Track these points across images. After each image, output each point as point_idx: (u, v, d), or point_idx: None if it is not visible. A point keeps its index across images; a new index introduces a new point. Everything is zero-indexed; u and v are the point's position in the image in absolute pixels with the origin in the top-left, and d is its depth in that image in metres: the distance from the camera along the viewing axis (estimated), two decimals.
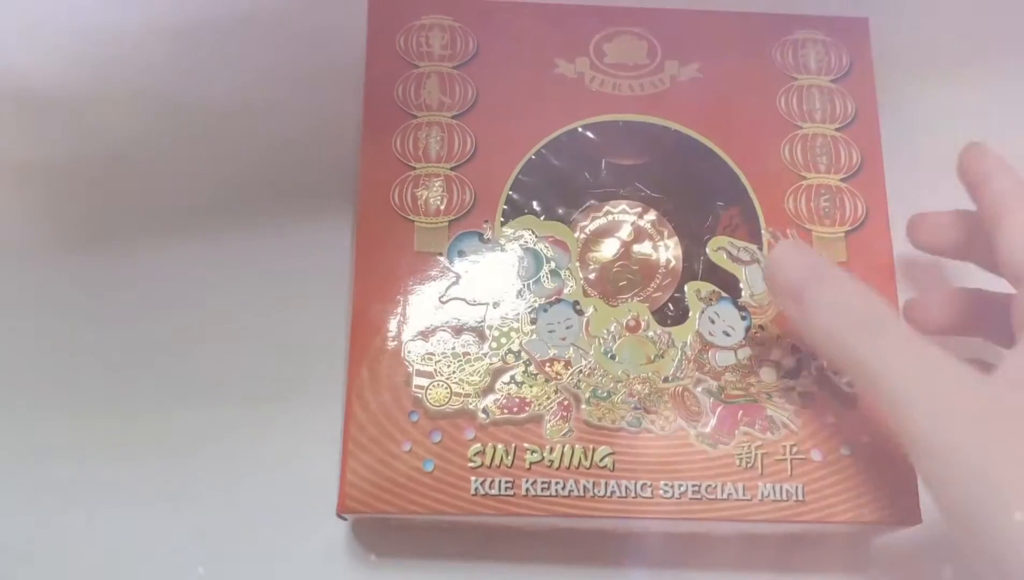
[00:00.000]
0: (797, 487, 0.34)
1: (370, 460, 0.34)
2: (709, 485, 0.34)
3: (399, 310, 0.36)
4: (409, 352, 0.36)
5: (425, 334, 0.36)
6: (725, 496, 0.34)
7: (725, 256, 0.37)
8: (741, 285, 0.36)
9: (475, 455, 0.34)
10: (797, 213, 0.37)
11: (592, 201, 0.38)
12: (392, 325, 0.36)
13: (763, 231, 0.37)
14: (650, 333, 0.36)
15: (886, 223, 0.37)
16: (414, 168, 0.38)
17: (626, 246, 0.38)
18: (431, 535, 0.37)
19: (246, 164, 0.42)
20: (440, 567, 0.37)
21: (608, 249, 0.38)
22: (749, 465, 0.34)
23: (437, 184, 0.38)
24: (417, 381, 0.35)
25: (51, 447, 0.38)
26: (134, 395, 0.38)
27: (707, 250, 0.37)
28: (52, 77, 0.42)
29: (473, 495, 0.34)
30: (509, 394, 0.35)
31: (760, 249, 0.37)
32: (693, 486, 0.34)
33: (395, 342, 0.36)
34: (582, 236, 0.38)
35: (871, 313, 0.30)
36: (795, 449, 0.35)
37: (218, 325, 0.39)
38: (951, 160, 0.36)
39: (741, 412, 0.35)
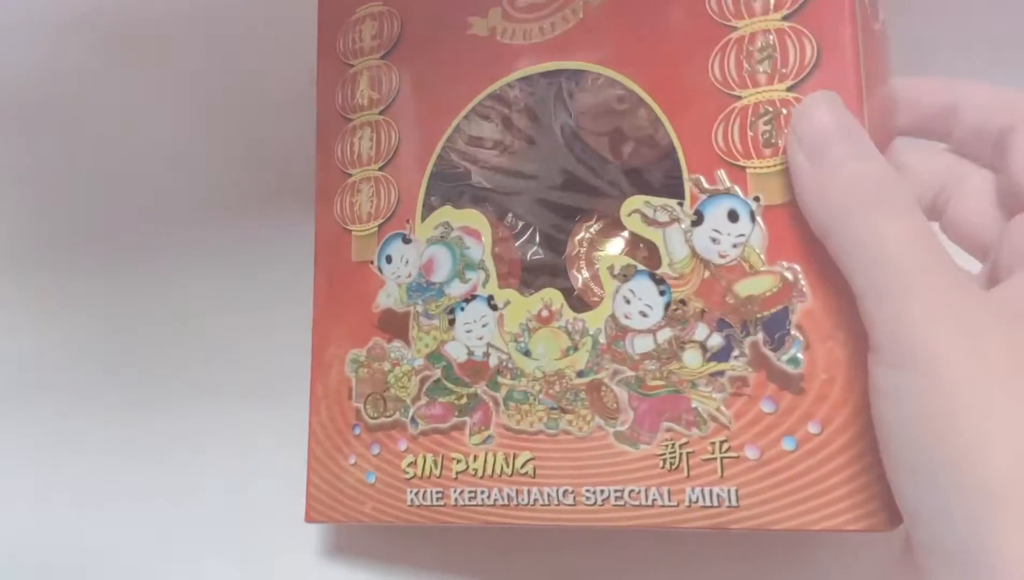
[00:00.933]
0: (729, 491, 0.30)
1: (326, 473, 0.38)
2: (632, 490, 0.32)
3: (341, 324, 0.38)
4: (349, 365, 0.38)
5: (362, 346, 0.37)
6: (649, 502, 0.32)
7: (640, 219, 0.32)
8: (661, 254, 0.32)
9: (408, 466, 0.36)
10: (728, 148, 0.31)
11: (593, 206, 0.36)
12: (337, 339, 0.38)
13: (685, 180, 0.32)
14: (562, 322, 0.33)
15: (862, 120, 0.29)
16: (350, 175, 0.39)
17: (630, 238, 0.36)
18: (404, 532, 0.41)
19: (234, 174, 0.46)
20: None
21: (613, 248, 0.36)
22: (674, 466, 0.31)
23: (367, 188, 0.38)
24: (357, 394, 0.37)
25: (53, 446, 0.47)
26: (142, 398, 0.46)
27: (621, 216, 0.33)
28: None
29: (409, 506, 0.36)
30: (433, 401, 0.36)
31: (681, 205, 0.32)
32: (616, 491, 0.32)
33: (339, 356, 0.38)
34: (587, 236, 0.36)
35: (893, 191, 0.27)
36: (726, 446, 0.31)
37: (215, 334, 0.45)
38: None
39: (662, 406, 0.32)
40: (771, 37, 0.31)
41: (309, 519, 0.38)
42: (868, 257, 0.26)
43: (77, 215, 0.48)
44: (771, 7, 0.31)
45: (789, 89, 0.30)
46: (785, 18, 0.30)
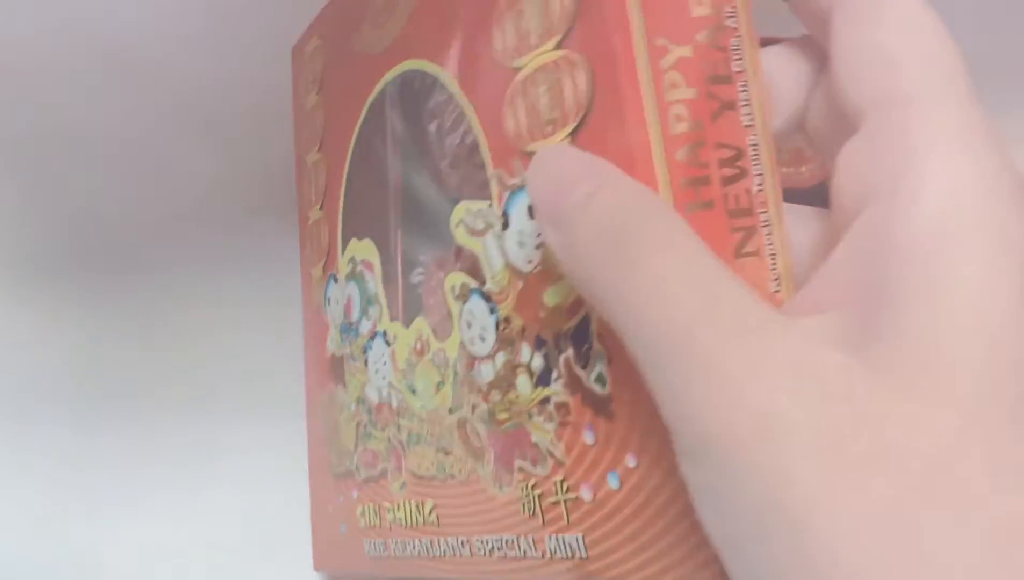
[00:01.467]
0: (577, 539, 0.26)
1: (320, 522, 0.38)
2: (508, 539, 0.28)
3: (314, 369, 0.38)
4: (321, 412, 0.38)
5: (326, 392, 0.37)
6: (522, 553, 0.28)
7: (465, 231, 0.28)
8: (483, 267, 0.28)
9: (361, 515, 0.35)
10: (518, 131, 0.26)
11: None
12: (315, 385, 0.38)
13: (489, 177, 0.27)
14: (431, 354, 0.30)
15: (634, 84, 0.23)
16: (309, 218, 0.39)
17: None
18: None
19: (239, 186, 0.47)
20: None
21: None
22: (532, 512, 0.27)
23: (316, 230, 0.38)
24: (326, 441, 0.37)
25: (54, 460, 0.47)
26: (143, 412, 0.47)
27: (451, 230, 0.29)
28: None
29: (368, 556, 0.35)
30: (366, 448, 0.34)
31: (491, 205, 0.27)
32: (496, 540, 0.29)
33: (315, 402, 0.38)
34: None
35: (640, 228, 0.21)
36: (565, 486, 0.26)
37: (221, 349, 0.46)
38: None
39: (512, 441, 0.27)
40: None
41: (316, 567, 0.40)
42: (625, 321, 0.21)
43: (75, 228, 0.50)
44: None
45: (558, 46, 0.25)
46: None
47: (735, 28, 0.24)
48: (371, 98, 0.34)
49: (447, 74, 0.29)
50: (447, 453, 0.31)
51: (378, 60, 0.33)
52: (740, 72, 0.24)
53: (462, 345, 0.29)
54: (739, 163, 0.24)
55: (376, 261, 0.34)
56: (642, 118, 0.23)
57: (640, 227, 0.21)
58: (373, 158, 0.34)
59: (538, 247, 0.26)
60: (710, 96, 0.24)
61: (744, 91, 0.24)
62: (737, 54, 0.24)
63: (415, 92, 0.31)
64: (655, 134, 0.23)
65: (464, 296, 0.29)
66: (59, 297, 0.50)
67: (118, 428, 0.48)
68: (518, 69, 0.26)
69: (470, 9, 0.28)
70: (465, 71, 0.29)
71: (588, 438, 0.25)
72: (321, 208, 0.38)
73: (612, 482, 0.25)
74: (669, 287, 0.20)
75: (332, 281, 0.37)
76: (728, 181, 0.24)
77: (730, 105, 0.24)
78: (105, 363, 0.49)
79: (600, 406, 0.25)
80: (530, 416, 0.27)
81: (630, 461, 0.24)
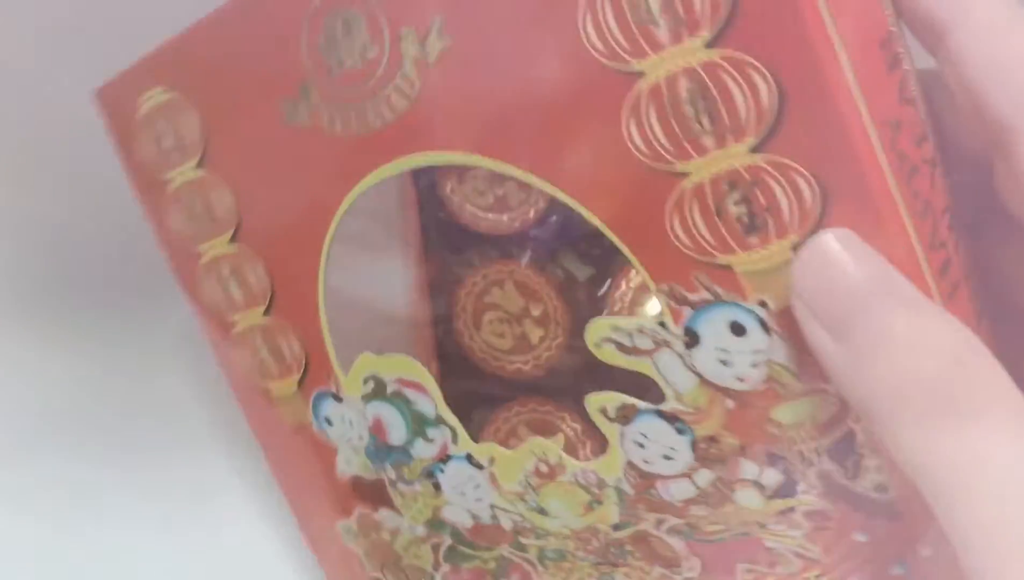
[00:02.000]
0: None
1: None
2: None
3: (314, 494, 0.33)
4: (345, 536, 0.33)
5: (348, 517, 0.32)
6: None
7: (615, 350, 0.25)
8: (662, 386, 0.24)
9: None
10: (697, 243, 0.22)
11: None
12: (319, 510, 0.33)
13: (654, 294, 0.23)
14: (570, 476, 0.27)
15: (882, 184, 0.20)
16: (235, 324, 0.31)
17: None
18: None
19: None
20: None
21: None
22: None
23: (260, 340, 0.30)
24: (369, 564, 0.33)
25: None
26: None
27: (589, 346, 0.25)
28: None
29: None
30: (458, 568, 0.31)
31: (664, 325, 0.24)
32: None
33: (329, 528, 0.33)
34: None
35: (965, 378, 0.19)
36: (825, 579, 0.25)
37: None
38: None
39: (732, 548, 0.26)
40: (700, 77, 0.21)
41: None
42: (927, 487, 0.19)
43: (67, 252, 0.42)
44: (683, 32, 0.21)
45: (754, 150, 0.21)
46: (710, 45, 0.20)
47: (909, 69, 0.22)
48: (357, 191, 0.26)
49: (529, 174, 0.23)
50: (615, 565, 0.28)
51: (372, 142, 0.25)
52: (926, 121, 0.22)
53: (630, 465, 0.26)
54: (955, 226, 0.22)
55: (426, 380, 0.28)
56: (900, 222, 0.20)
57: (966, 386, 0.19)
58: (395, 263, 0.27)
59: (756, 365, 0.23)
60: (925, 162, 0.22)
61: (932, 141, 0.22)
62: (919, 102, 0.22)
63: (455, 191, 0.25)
64: (914, 234, 0.21)
65: (626, 417, 0.25)
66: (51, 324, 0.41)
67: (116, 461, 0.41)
68: (682, 175, 0.22)
69: (565, 95, 0.22)
70: (566, 170, 0.23)
71: (860, 537, 0.24)
72: (267, 313, 0.30)
73: (898, 569, 0.24)
74: (1001, 473, 0.18)
75: (329, 400, 0.30)
76: (958, 251, 0.22)
77: (933, 163, 0.22)
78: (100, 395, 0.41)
79: (878, 509, 0.24)
80: (762, 526, 0.25)
81: (923, 549, 0.24)
